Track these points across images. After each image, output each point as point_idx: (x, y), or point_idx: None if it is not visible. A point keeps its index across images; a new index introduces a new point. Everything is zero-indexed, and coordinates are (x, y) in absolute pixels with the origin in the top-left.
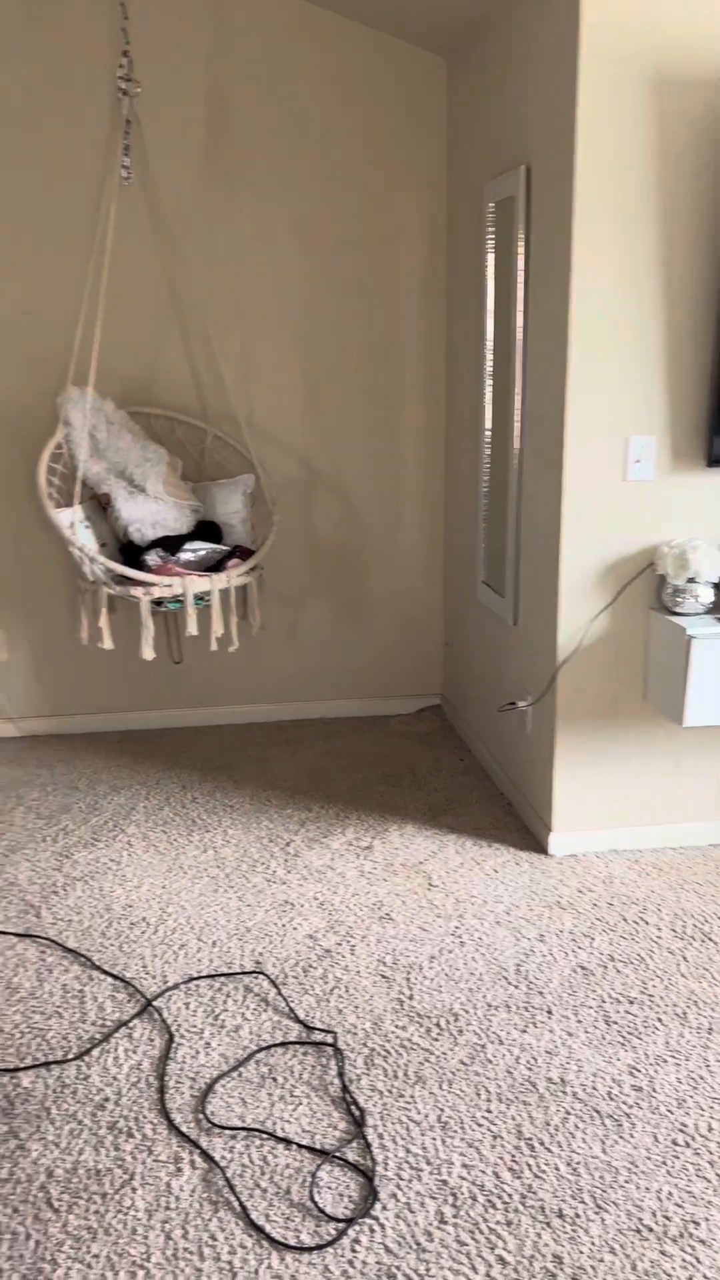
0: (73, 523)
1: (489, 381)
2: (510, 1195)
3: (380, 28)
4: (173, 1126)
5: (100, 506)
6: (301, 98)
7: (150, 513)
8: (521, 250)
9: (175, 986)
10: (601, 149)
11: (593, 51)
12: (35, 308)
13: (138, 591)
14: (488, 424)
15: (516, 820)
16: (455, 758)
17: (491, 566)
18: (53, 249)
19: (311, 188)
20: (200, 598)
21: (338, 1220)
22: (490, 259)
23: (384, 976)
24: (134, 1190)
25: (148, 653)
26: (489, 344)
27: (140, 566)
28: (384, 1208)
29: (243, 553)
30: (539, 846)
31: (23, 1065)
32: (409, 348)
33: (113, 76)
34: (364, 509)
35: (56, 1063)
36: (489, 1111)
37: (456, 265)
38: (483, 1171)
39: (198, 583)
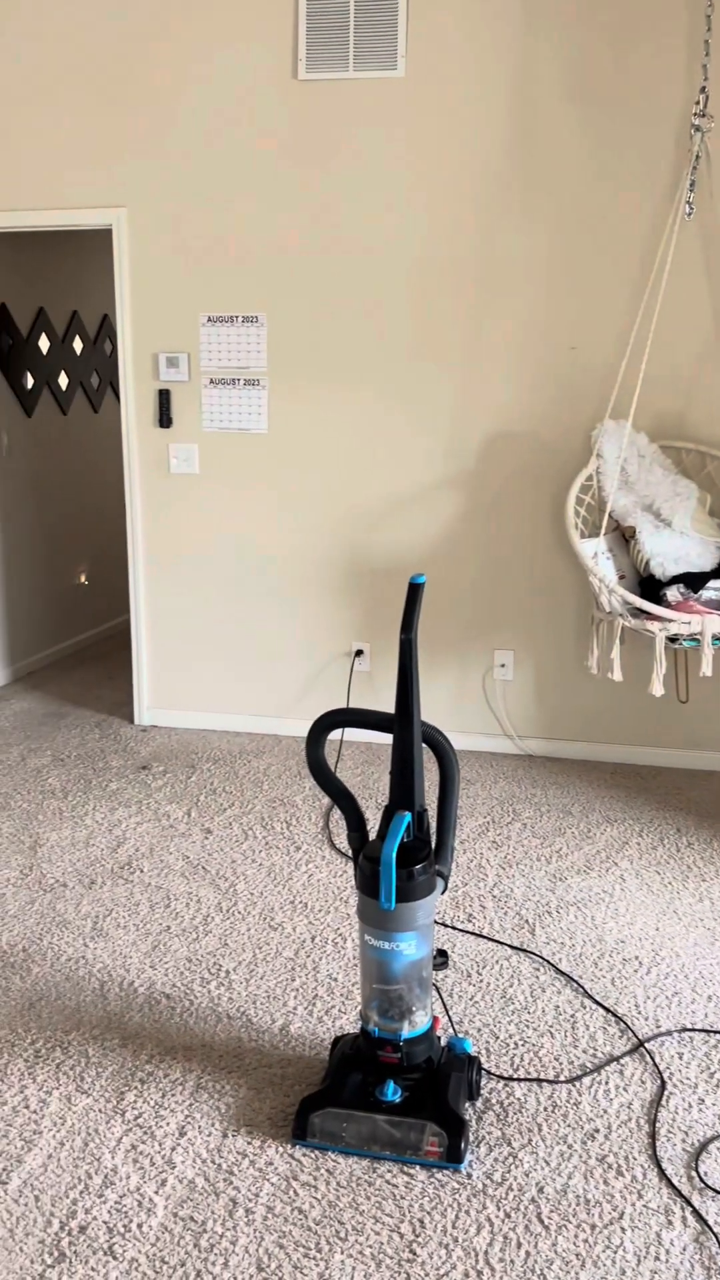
0: (596, 553)
1: None
2: None
3: None
4: (664, 1176)
5: (623, 539)
6: None
7: (674, 548)
8: None
9: (668, 1033)
10: None
11: None
12: (581, 343)
13: (653, 626)
14: None
15: None
16: None
17: None
18: (602, 286)
19: None
20: (719, 638)
21: None
22: None
23: None
24: (623, 1230)
25: (657, 689)
26: None
27: (659, 601)
28: None
29: None
30: None
31: (516, 1076)
32: None
33: (682, 113)
34: None
35: (548, 1081)
36: None
37: None
38: None
39: (718, 622)
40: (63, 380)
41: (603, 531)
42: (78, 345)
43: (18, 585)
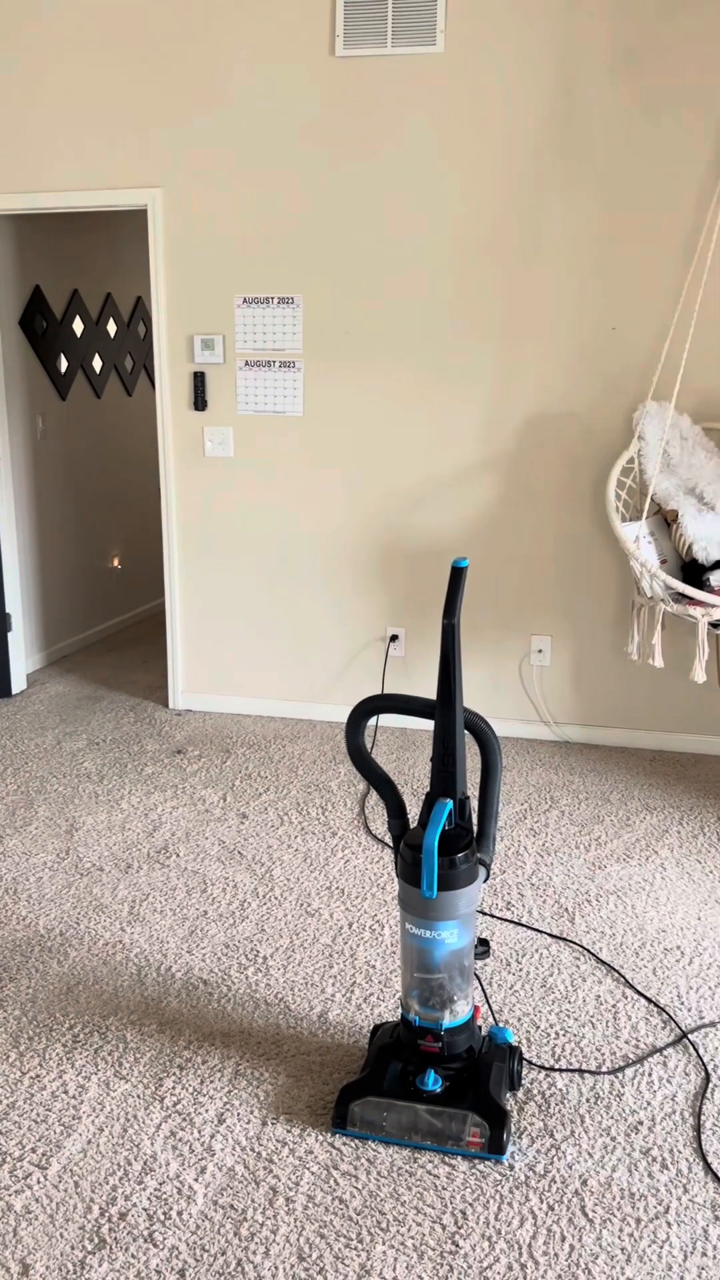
0: (637, 537)
1: None
2: None
3: None
4: (710, 1170)
5: (665, 522)
6: None
7: (718, 531)
8: None
9: (712, 1024)
10: None
11: None
12: (622, 323)
13: (696, 611)
14: None
15: None
16: None
17: None
18: (645, 264)
19: None
20: None
21: None
22: None
23: None
24: (669, 1225)
25: (699, 675)
26: None
27: (701, 586)
28: None
29: None
30: None
31: (558, 1067)
32: None
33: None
34: None
35: (590, 1072)
36: None
37: None
38: None
39: None
40: (96, 363)
41: (644, 515)
42: (111, 328)
43: (52, 569)
